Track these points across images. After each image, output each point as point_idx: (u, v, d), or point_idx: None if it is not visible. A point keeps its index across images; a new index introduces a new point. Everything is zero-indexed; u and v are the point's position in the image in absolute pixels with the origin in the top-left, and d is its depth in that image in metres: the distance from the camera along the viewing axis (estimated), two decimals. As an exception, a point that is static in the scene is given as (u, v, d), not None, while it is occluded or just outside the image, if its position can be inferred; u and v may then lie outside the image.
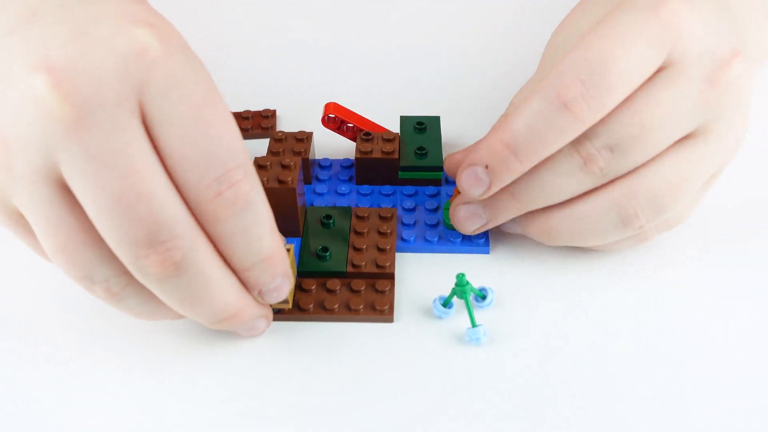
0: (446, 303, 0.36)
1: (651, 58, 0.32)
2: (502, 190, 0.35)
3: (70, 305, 0.37)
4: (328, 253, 0.38)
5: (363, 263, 0.37)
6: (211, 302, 0.31)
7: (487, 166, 0.34)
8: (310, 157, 0.44)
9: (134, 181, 0.27)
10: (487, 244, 0.39)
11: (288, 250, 0.36)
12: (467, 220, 0.38)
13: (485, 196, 0.35)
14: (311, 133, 0.44)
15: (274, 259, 0.32)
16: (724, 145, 0.34)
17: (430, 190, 0.42)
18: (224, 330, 0.34)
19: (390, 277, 0.37)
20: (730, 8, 0.36)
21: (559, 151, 0.33)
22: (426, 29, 0.58)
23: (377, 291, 0.37)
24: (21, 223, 0.30)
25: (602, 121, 0.32)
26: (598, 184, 0.34)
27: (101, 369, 0.34)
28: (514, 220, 0.38)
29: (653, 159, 0.33)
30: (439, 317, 0.36)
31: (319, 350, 0.35)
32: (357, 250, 0.38)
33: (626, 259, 0.39)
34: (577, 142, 0.33)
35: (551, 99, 0.32)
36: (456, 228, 0.38)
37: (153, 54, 0.28)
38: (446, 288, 0.37)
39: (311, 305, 0.36)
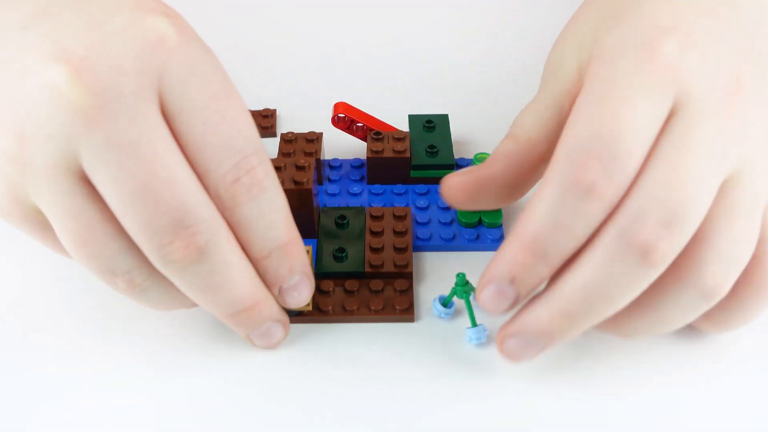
0: (446, 302, 0.36)
1: (658, 108, 0.28)
2: (548, 308, 0.29)
3: (77, 302, 0.36)
4: (344, 254, 0.38)
5: (381, 263, 0.37)
6: (230, 291, 0.31)
7: (513, 279, 0.29)
8: (320, 157, 0.43)
9: (157, 168, 0.28)
10: (502, 240, 0.39)
11: (307, 251, 0.35)
12: (518, 354, 0.31)
13: (510, 310, 0.30)
14: (321, 134, 0.44)
15: (290, 246, 0.32)
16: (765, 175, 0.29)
17: (443, 188, 0.42)
18: (240, 330, 0.33)
19: (409, 276, 0.37)
20: (738, 12, 0.31)
21: (606, 246, 0.28)
22: (428, 26, 0.58)
23: (397, 291, 0.37)
24: (39, 220, 0.30)
25: (637, 190, 0.28)
26: (659, 273, 0.28)
27: (109, 369, 0.34)
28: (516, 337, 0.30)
29: (708, 220, 0.28)
30: (439, 317, 0.36)
31: (342, 352, 0.35)
32: (374, 250, 0.38)
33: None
34: (624, 229, 0.27)
35: (570, 187, 0.27)
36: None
37: (171, 43, 0.29)
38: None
39: (331, 307, 0.36)
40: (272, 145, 0.47)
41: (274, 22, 0.58)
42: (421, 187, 0.42)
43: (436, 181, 0.43)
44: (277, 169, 0.38)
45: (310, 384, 0.33)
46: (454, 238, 0.40)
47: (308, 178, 0.38)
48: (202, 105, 0.29)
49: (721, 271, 0.28)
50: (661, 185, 0.27)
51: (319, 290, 0.37)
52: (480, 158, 0.43)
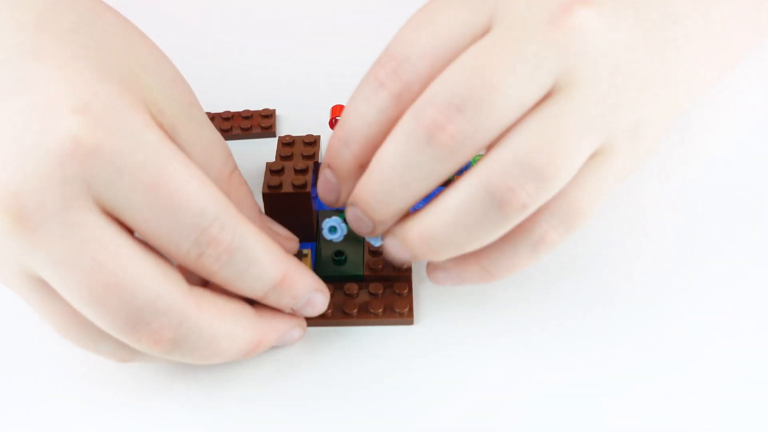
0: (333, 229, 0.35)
1: (468, 17, 0.30)
2: (357, 192, 0.32)
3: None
4: (343, 257, 0.38)
5: (380, 266, 0.37)
6: (225, 353, 0.31)
7: (329, 165, 0.33)
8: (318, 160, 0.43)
9: (101, 275, 0.27)
10: (501, 243, 0.39)
11: (305, 255, 0.35)
12: (357, 224, 0.33)
13: (342, 201, 0.33)
14: (319, 137, 0.44)
15: (285, 282, 0.31)
16: (593, 99, 0.30)
17: (439, 189, 0.42)
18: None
19: (407, 279, 0.37)
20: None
21: (399, 132, 0.30)
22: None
23: (396, 293, 0.37)
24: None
25: (435, 79, 0.30)
26: (458, 165, 0.30)
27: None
28: (392, 238, 0.33)
29: (516, 123, 0.29)
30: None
31: (342, 355, 0.35)
32: (373, 253, 0.38)
33: (647, 261, 0.39)
34: (414, 110, 0.30)
35: (367, 79, 0.32)
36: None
37: (86, 147, 0.27)
38: (464, 289, 0.37)
39: (330, 310, 0.36)
40: (271, 146, 0.47)
41: (275, 23, 0.58)
42: (420, 190, 0.42)
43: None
44: (276, 172, 0.38)
45: (310, 388, 0.33)
46: (452, 240, 0.40)
47: (307, 181, 0.38)
48: (138, 202, 0.27)
49: (517, 175, 0.29)
50: (527, 144, 0.29)
51: (318, 294, 0.37)
52: (477, 160, 0.43)
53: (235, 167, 0.33)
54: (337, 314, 0.36)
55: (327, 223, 0.35)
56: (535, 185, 0.29)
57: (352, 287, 0.37)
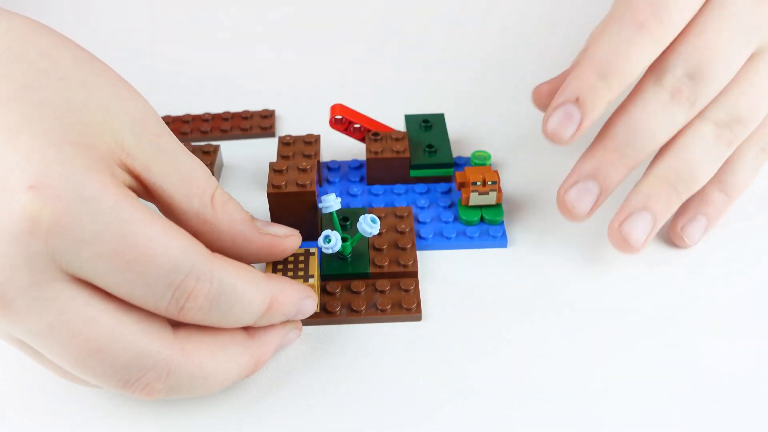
0: (328, 240, 0.36)
1: None
2: (604, 151, 0.36)
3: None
4: (349, 255, 0.38)
5: (385, 263, 0.38)
6: (224, 382, 0.31)
7: (577, 99, 0.35)
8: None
9: (80, 344, 0.27)
10: (504, 237, 0.40)
11: (312, 254, 0.36)
12: (579, 200, 0.36)
13: (575, 137, 0.35)
14: (319, 136, 0.44)
15: (273, 306, 0.31)
16: None
17: (442, 186, 0.43)
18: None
19: (414, 275, 0.38)
20: None
21: (646, 91, 0.35)
22: (421, 26, 0.58)
23: (402, 290, 0.37)
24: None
25: (675, 50, 0.35)
26: (690, 116, 0.35)
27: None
28: (639, 192, 0.36)
29: (733, 80, 0.36)
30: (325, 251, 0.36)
31: (351, 352, 0.35)
32: (377, 250, 0.38)
33: (649, 261, 0.39)
34: (659, 77, 0.35)
35: (627, 22, 0.34)
36: (571, 217, 0.37)
37: (45, 222, 0.26)
38: (470, 284, 0.37)
39: (338, 308, 0.36)
40: (270, 146, 0.47)
41: (274, 24, 0.58)
42: (421, 187, 0.43)
43: (436, 180, 0.43)
44: (280, 172, 0.38)
45: (320, 386, 0.33)
46: (456, 236, 0.40)
47: (311, 180, 0.38)
48: (106, 269, 0.27)
49: (733, 124, 0.36)
50: (692, 46, 0.35)
51: (325, 291, 0.37)
52: (477, 156, 0.43)
53: (216, 186, 0.32)
54: (346, 312, 0.36)
55: (323, 233, 0.36)
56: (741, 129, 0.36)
57: (359, 285, 0.37)
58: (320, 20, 0.58)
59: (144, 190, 0.30)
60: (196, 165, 0.32)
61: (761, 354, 0.34)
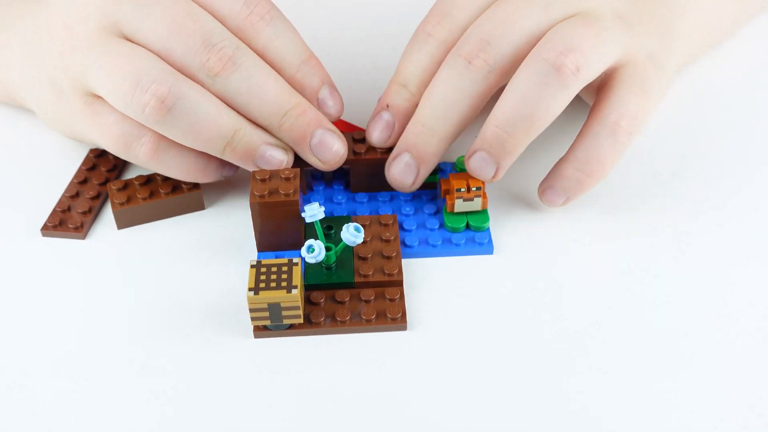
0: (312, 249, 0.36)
1: None
2: (415, 123, 0.39)
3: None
4: (333, 264, 0.37)
5: (370, 272, 0.37)
6: (272, 91, 0.38)
7: (387, 105, 0.40)
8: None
9: (178, 11, 0.37)
10: (490, 244, 0.39)
11: (296, 264, 0.35)
12: (402, 176, 0.40)
13: (393, 138, 0.40)
14: (298, 170, 0.43)
15: (312, 59, 0.40)
16: (609, 17, 0.38)
17: (428, 194, 0.42)
18: (297, 135, 0.39)
19: (399, 284, 0.37)
20: None
21: (444, 66, 0.38)
22: (404, 28, 0.57)
23: (387, 299, 0.36)
24: (98, 102, 0.39)
25: (469, 29, 0.38)
26: (489, 80, 0.38)
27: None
28: (474, 153, 0.38)
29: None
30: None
31: (336, 363, 0.34)
32: (362, 259, 0.38)
33: (636, 262, 0.39)
34: (457, 55, 0.38)
35: (418, 34, 0.40)
36: (398, 189, 0.40)
37: None
38: (456, 292, 0.37)
39: (322, 318, 0.36)
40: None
41: None
42: (406, 194, 0.42)
43: (421, 186, 0.42)
44: (263, 180, 0.38)
45: (305, 398, 0.33)
46: (442, 243, 0.39)
47: (295, 188, 0.37)
48: (152, 24, 0.37)
49: (621, 114, 0.37)
50: (482, 20, 0.38)
51: (309, 302, 0.36)
52: (462, 161, 0.42)
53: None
54: (330, 322, 0.36)
55: (306, 243, 0.35)
56: (580, 54, 0.36)
57: (343, 294, 0.36)
58: (321, 20, 0.57)
59: None
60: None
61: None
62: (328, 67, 0.41)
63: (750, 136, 0.46)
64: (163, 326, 0.36)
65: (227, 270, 0.39)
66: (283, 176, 0.38)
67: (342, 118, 0.44)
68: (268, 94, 0.38)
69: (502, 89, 0.38)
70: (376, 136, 0.40)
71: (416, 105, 0.39)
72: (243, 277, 0.38)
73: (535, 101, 0.36)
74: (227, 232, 0.41)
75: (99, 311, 0.37)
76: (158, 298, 0.37)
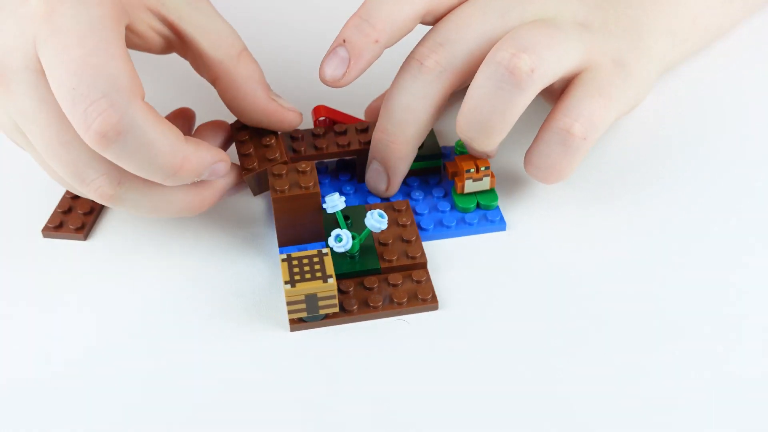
0: (339, 239, 0.37)
1: None
2: (377, 130, 0.39)
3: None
4: (357, 253, 0.38)
5: (394, 257, 0.38)
6: (156, 157, 0.33)
7: (344, 40, 0.38)
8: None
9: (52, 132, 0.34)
10: (502, 221, 0.41)
11: (325, 254, 0.36)
12: (375, 183, 0.41)
13: (348, 78, 0.38)
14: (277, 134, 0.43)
15: (185, 168, 0.34)
16: (570, 19, 0.39)
17: (434, 178, 0.43)
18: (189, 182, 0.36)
19: (423, 266, 0.38)
20: None
21: (400, 71, 0.39)
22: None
23: (415, 281, 0.37)
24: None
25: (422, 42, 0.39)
26: (442, 80, 0.38)
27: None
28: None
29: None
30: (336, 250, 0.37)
31: (371, 348, 0.35)
32: (384, 245, 0.39)
33: (647, 242, 0.41)
34: (411, 58, 0.38)
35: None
36: (376, 195, 0.42)
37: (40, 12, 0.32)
38: (477, 270, 0.38)
39: (355, 306, 0.36)
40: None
41: (271, 24, 0.56)
42: (413, 180, 0.43)
43: (425, 172, 0.43)
44: (279, 176, 0.38)
45: (342, 385, 0.34)
46: (456, 224, 0.40)
47: (314, 180, 0.38)
48: (56, 61, 0.32)
49: (572, 119, 0.37)
50: (438, 25, 0.38)
51: (339, 291, 0.37)
52: (462, 144, 0.43)
53: (244, 48, 0.38)
54: (363, 308, 0.36)
55: (333, 233, 0.36)
56: (534, 55, 0.35)
57: (372, 281, 0.37)
58: (320, 20, 0.57)
59: (176, 37, 0.37)
60: (227, 26, 0.38)
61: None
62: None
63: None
64: (169, 328, 0.36)
65: (233, 268, 0.39)
66: (300, 170, 0.38)
67: (343, 110, 0.45)
68: (150, 161, 0.34)
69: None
70: (329, 73, 0.38)
71: (375, 43, 0.38)
72: (278, 267, 0.38)
73: (491, 106, 0.36)
74: (227, 231, 0.41)
75: (102, 313, 0.37)
76: (164, 299, 0.38)
